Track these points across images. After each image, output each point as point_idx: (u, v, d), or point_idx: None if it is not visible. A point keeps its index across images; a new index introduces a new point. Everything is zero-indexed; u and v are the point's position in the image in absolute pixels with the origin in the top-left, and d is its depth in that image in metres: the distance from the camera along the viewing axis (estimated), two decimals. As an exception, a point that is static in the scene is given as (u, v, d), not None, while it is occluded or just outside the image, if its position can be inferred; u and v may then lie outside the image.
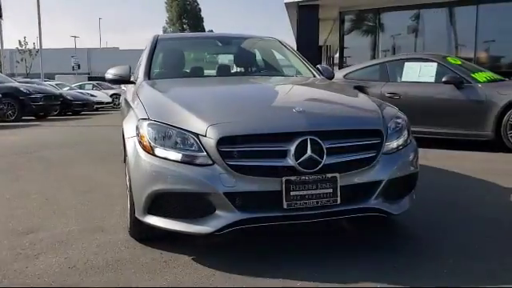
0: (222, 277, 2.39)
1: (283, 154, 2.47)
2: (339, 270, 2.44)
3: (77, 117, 16.64)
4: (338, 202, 2.53)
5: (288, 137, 2.48)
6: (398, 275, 2.37)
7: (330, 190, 2.51)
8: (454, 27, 10.36)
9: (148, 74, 3.70)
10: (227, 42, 4.57)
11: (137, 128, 2.72)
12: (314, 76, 4.09)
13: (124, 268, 2.54)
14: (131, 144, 2.71)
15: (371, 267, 2.48)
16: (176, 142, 2.54)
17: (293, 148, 2.45)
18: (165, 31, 70.67)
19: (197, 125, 2.54)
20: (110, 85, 27.12)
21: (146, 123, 2.66)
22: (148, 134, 2.61)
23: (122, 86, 5.72)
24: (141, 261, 2.63)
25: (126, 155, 2.92)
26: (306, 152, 2.46)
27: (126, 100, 3.97)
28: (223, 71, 4.17)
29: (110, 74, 3.87)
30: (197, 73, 4.06)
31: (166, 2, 68.34)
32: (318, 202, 2.49)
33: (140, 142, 2.64)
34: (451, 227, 3.15)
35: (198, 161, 2.47)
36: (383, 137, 2.69)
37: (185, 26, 70.62)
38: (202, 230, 2.48)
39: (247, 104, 2.96)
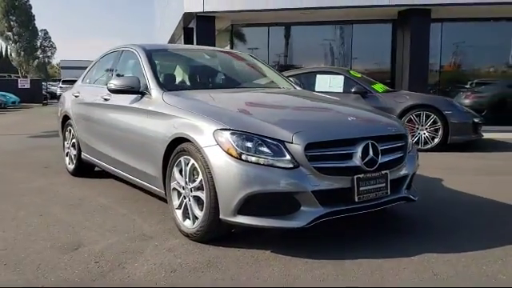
0: (318, 263, 2.79)
1: (350, 156, 2.99)
2: (393, 248, 3.05)
3: None
4: (389, 193, 3.15)
5: (354, 141, 3.02)
6: (440, 246, 3.06)
7: (384, 184, 3.11)
8: (334, 43, 11.88)
9: (162, 86, 3.82)
10: (213, 55, 4.85)
11: (214, 137, 2.95)
12: (294, 87, 4.64)
13: (224, 266, 2.76)
14: (213, 152, 2.93)
15: (414, 242, 3.13)
16: (261, 148, 2.87)
17: (359, 150, 2.99)
18: (-11, 30, 62.92)
19: (280, 133, 2.90)
20: None
21: (227, 132, 2.92)
22: (234, 142, 2.88)
23: (68, 95, 5.53)
24: (231, 258, 2.87)
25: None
26: (369, 154, 3.03)
27: (131, 110, 3.92)
28: (233, 83, 4.47)
29: (115, 84, 3.89)
30: (215, 85, 4.28)
31: (-11, -3, 60.89)
32: (376, 195, 3.07)
33: (224, 150, 2.89)
34: (434, 209, 3.99)
35: (285, 164, 2.84)
36: (407, 140, 3.39)
37: (13, 24, 63.90)
38: (293, 224, 2.85)
39: (308, 114, 3.41)
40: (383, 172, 3.10)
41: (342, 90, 7.87)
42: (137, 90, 3.86)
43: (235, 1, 10.30)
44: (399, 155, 3.28)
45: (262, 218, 2.87)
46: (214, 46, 10.86)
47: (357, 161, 2.99)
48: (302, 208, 2.87)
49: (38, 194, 4.62)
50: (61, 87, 34.43)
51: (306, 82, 8.11)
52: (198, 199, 3.13)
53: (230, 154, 2.87)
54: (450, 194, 4.58)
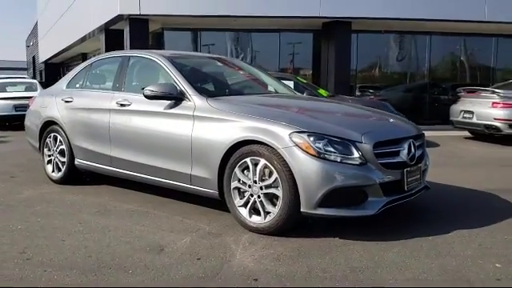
0: (387, 244, 3.28)
1: (398, 153, 3.56)
2: (432, 229, 3.68)
3: None
4: (421, 183, 3.78)
5: (402, 140, 3.60)
6: (462, 225, 3.75)
7: (419, 176, 3.74)
8: (263, 49, 12.54)
9: (201, 92, 4.02)
10: (224, 63, 5.08)
11: (291, 139, 3.30)
12: (294, 93, 5.10)
13: (316, 252, 3.12)
14: (292, 153, 3.27)
15: (440, 223, 3.80)
16: (335, 148, 3.30)
17: (406, 148, 3.58)
18: None
19: (350, 133, 3.37)
20: None
21: (305, 134, 3.29)
22: (312, 143, 3.26)
23: (49, 100, 5.37)
24: (314, 246, 3.23)
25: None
26: (411, 151, 3.63)
27: (182, 116, 3.97)
28: (258, 89, 4.77)
29: (153, 90, 3.99)
30: (245, 91, 4.53)
31: None
32: (415, 184, 3.69)
33: (303, 150, 3.26)
34: (432, 198, 4.72)
35: (357, 161, 3.31)
36: (424, 138, 4.06)
37: None
38: (366, 212, 3.34)
39: (359, 118, 3.90)
40: (419, 165, 3.73)
41: (292, 95, 8.47)
42: (175, 96, 4.00)
43: (172, 5, 10.37)
44: (422, 151, 3.93)
45: (338, 209, 3.30)
46: (148, 48, 10.78)
47: (404, 156, 3.57)
48: (369, 198, 3.35)
49: (45, 203, 4.44)
50: None
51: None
52: (267, 195, 3.43)
53: (310, 154, 3.25)
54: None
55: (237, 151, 3.57)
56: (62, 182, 5.25)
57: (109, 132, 4.58)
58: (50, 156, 5.37)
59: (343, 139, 3.34)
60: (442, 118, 11.82)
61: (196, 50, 11.85)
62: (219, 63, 5.10)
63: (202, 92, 4.04)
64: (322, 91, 8.82)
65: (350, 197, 3.33)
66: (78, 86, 5.28)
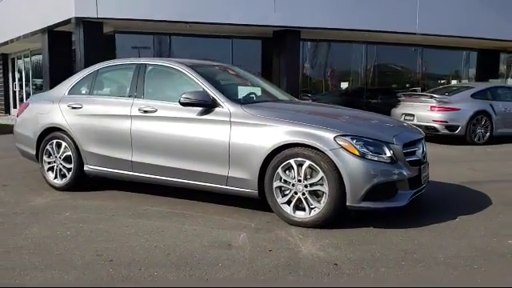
0: (416, 230, 3.84)
1: (415, 152, 4.17)
2: (445, 217, 4.31)
3: None
4: (429, 177, 4.42)
5: (417, 141, 4.21)
6: (461, 213, 4.43)
7: (428, 172, 4.38)
8: (217, 55, 12.82)
9: (233, 99, 4.34)
10: (233, 70, 5.37)
11: (336, 141, 3.75)
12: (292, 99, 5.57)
13: (366, 240, 3.60)
14: (338, 154, 3.72)
15: (447, 212, 4.45)
16: (374, 149, 3.81)
17: (420, 147, 4.20)
18: None
19: (384, 136, 3.91)
20: None
21: (348, 137, 3.77)
22: (356, 145, 3.74)
23: (51, 107, 5.32)
24: (359, 236, 3.71)
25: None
26: (424, 150, 4.26)
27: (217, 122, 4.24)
28: (273, 97, 5.15)
29: (190, 98, 4.24)
30: (268, 98, 4.89)
31: None
32: (426, 179, 4.31)
33: (348, 151, 3.72)
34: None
35: (390, 160, 3.84)
36: (424, 139, 4.72)
37: None
38: (399, 204, 3.88)
39: (382, 123, 4.42)
40: (428, 162, 4.37)
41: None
42: (209, 103, 4.28)
43: (129, 9, 10.27)
44: (426, 150, 4.58)
45: (377, 202, 3.81)
46: (102, 51, 10.63)
47: (419, 155, 4.18)
48: (398, 192, 3.90)
49: (70, 210, 4.47)
50: None
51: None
52: (311, 192, 3.84)
53: (355, 154, 3.72)
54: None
55: (279, 153, 3.94)
56: (66, 188, 5.22)
57: (130, 138, 4.69)
58: (50, 163, 5.31)
59: (379, 141, 3.86)
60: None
61: (152, 55, 11.89)
62: (230, 71, 5.42)
63: (233, 99, 4.35)
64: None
65: (386, 191, 3.84)
66: (84, 92, 5.28)
